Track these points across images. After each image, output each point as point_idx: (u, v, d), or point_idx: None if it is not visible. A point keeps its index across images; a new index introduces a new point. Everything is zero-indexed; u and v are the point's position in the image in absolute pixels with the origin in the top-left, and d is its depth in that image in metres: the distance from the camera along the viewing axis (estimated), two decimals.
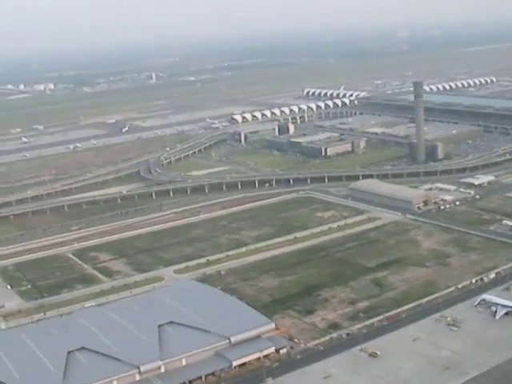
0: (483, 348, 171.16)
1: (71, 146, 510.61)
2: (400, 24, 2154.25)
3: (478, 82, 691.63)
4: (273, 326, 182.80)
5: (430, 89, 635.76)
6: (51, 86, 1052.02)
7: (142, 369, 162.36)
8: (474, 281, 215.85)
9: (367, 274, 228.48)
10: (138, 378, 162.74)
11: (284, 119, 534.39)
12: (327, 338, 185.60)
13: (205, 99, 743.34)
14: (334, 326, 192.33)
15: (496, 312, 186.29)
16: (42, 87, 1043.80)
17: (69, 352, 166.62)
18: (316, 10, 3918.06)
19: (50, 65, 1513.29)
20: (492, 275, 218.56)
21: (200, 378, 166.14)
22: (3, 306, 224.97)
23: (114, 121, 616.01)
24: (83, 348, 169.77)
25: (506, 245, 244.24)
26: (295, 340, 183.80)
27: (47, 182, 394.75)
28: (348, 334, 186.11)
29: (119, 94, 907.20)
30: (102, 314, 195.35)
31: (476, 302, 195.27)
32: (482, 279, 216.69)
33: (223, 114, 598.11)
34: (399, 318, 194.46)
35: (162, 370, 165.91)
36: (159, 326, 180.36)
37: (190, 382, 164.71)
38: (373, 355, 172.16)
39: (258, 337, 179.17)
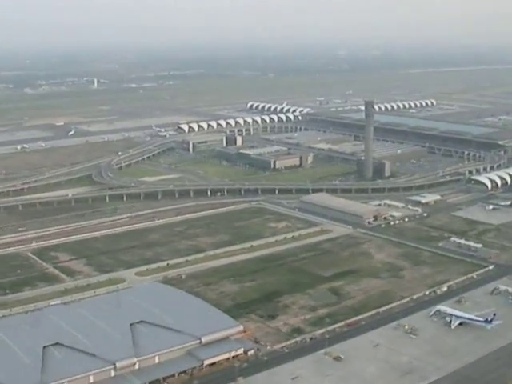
0: (441, 354, 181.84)
1: (18, 147, 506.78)
2: (339, 43, 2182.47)
3: (418, 104, 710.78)
4: (241, 328, 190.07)
5: (379, 108, 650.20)
6: None
7: (117, 365, 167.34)
8: (427, 293, 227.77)
9: (324, 283, 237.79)
10: (113, 374, 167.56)
11: (230, 131, 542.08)
12: (292, 341, 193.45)
13: (149, 107, 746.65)
14: (297, 331, 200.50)
15: (451, 322, 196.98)
16: None
17: (44, 347, 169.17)
18: (252, 24, 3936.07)
19: None
20: (444, 288, 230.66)
21: (173, 375, 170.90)
22: None
23: (62, 123, 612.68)
24: (58, 344, 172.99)
25: (455, 260, 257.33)
26: (261, 343, 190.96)
27: (2, 181, 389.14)
28: (311, 339, 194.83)
29: (62, 97, 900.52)
30: (71, 311, 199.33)
31: (431, 313, 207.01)
32: (434, 291, 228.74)
33: (169, 123, 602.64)
34: (359, 324, 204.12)
35: (137, 367, 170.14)
36: (130, 324, 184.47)
37: (163, 379, 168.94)
38: (337, 359, 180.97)
39: (227, 338, 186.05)
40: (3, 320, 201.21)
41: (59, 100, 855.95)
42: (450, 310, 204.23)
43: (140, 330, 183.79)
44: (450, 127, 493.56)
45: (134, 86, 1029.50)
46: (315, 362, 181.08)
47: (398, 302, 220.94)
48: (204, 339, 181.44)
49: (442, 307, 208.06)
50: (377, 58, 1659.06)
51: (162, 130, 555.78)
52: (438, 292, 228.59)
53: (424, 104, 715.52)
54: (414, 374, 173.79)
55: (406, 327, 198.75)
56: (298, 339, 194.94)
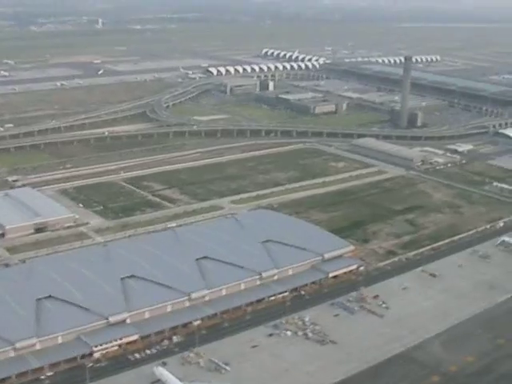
0: None
1: (58, 84, 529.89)
2: None
3: (424, 59, 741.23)
4: (352, 247, 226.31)
5: (383, 61, 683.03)
6: None
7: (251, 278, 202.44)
8: (488, 226, 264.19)
9: (398, 215, 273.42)
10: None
11: (257, 76, 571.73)
12: (391, 260, 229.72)
13: (164, 49, 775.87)
14: (392, 253, 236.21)
15: None
16: None
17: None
18: None
19: None
20: (501, 224, 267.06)
21: (306, 285, 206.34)
22: (88, 223, 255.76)
23: (99, 61, 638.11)
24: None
25: (502, 202, 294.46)
26: (366, 261, 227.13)
27: (59, 116, 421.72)
28: (406, 259, 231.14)
29: (71, 35, 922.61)
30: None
31: (497, 242, 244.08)
32: (493, 226, 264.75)
33: (191, 66, 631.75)
34: (440, 249, 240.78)
35: (276, 278, 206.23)
36: (262, 242, 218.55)
37: (299, 288, 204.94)
38: (433, 275, 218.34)
39: (341, 256, 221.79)
40: None
41: (70, 39, 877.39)
42: None
43: (270, 247, 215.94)
44: (466, 83, 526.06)
45: (138, 27, 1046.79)
46: (416, 277, 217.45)
47: (466, 233, 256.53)
48: (326, 256, 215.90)
49: (506, 238, 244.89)
50: (365, 9, 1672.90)
51: (190, 72, 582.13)
52: (497, 226, 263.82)
53: (429, 59, 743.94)
54: (497, 289, 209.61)
55: (480, 253, 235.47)
56: (396, 259, 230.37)
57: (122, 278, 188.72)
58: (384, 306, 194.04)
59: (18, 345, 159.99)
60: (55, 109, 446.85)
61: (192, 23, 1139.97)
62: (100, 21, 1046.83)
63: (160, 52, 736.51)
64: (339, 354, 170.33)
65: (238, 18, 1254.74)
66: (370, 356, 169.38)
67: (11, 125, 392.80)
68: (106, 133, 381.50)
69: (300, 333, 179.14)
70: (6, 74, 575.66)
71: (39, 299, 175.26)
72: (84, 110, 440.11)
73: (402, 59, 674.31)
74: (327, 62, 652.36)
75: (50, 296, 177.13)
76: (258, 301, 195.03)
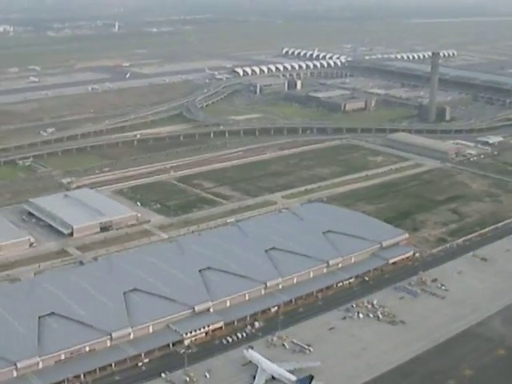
0: None
1: (89, 87, 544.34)
2: None
3: (442, 55, 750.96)
4: (406, 235, 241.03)
5: (402, 57, 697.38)
6: (9, 28, 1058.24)
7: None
8: None
9: (442, 205, 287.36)
10: (325, 270, 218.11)
11: (283, 75, 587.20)
12: (442, 247, 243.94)
13: (183, 51, 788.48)
14: (442, 240, 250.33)
15: None
16: (1, 29, 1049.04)
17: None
18: None
19: None
20: None
21: (369, 271, 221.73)
22: (149, 221, 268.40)
23: (128, 64, 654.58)
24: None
25: None
26: (419, 248, 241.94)
27: (96, 119, 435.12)
28: (457, 245, 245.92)
29: (89, 40, 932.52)
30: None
31: None
32: None
33: (216, 66, 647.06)
34: (486, 236, 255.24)
35: (340, 265, 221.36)
36: (323, 232, 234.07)
37: (363, 274, 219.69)
38: (484, 259, 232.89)
39: (397, 244, 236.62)
40: None
41: (89, 43, 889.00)
42: None
43: (332, 238, 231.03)
44: (488, 77, 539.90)
45: (155, 30, 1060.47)
46: (468, 261, 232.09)
47: (508, 221, 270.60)
48: (384, 244, 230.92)
49: None
50: (374, 5, 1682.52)
51: (216, 73, 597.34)
52: None
53: (446, 54, 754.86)
54: None
55: None
56: (447, 245, 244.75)
57: (199, 270, 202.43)
58: (443, 288, 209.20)
59: (113, 335, 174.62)
60: (91, 112, 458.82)
61: (205, 24, 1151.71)
62: (117, 24, 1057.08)
63: (180, 54, 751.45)
64: (409, 333, 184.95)
65: (248, 18, 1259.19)
66: (437, 333, 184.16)
67: (53, 129, 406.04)
68: (139, 135, 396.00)
69: (371, 315, 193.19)
70: (36, 79, 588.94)
71: (125, 292, 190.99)
72: (120, 112, 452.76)
73: (420, 55, 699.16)
74: (348, 59, 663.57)
75: (135, 289, 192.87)
76: (327, 287, 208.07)
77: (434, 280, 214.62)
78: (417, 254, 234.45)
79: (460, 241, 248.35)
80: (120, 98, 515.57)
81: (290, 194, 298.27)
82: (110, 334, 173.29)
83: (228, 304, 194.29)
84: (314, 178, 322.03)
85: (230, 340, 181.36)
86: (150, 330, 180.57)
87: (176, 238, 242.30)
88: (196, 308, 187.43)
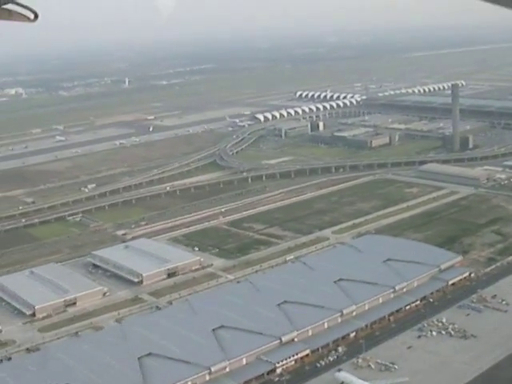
0: None
1: (117, 143, 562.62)
2: (326, 30, 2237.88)
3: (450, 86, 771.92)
4: (461, 257, 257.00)
5: (413, 91, 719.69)
6: (21, 90, 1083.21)
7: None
8: None
9: (485, 228, 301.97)
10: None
11: (303, 118, 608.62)
12: (494, 266, 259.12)
13: (198, 101, 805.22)
14: (492, 259, 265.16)
15: None
16: (13, 92, 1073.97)
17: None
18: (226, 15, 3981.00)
19: None
20: None
21: (432, 293, 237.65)
22: (212, 265, 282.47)
23: (153, 117, 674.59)
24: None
25: None
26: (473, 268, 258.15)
27: (132, 173, 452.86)
28: (507, 263, 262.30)
29: (102, 97, 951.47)
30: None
31: None
32: None
33: (234, 114, 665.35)
34: None
35: (405, 290, 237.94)
36: (383, 261, 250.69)
37: (425, 297, 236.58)
38: None
39: (453, 266, 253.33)
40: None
41: (103, 100, 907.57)
42: None
43: (394, 266, 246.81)
44: (502, 104, 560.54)
45: (164, 82, 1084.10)
46: None
47: None
48: (442, 266, 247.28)
49: None
50: (369, 43, 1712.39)
51: (237, 120, 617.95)
52: None
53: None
54: None
55: None
56: (498, 264, 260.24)
57: (278, 304, 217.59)
58: (504, 303, 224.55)
59: (212, 369, 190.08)
60: (125, 166, 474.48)
61: (212, 74, 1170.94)
62: (127, 80, 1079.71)
63: (196, 104, 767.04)
64: (483, 345, 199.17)
65: (250, 65, 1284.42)
66: (510, 344, 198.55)
67: (94, 185, 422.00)
68: (176, 184, 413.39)
69: (443, 332, 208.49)
70: (63, 138, 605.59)
71: (215, 329, 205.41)
72: (154, 164, 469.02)
73: (431, 88, 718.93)
74: (363, 97, 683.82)
75: (222, 326, 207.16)
76: (397, 311, 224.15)
77: (494, 296, 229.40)
78: (472, 275, 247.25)
79: (510, 259, 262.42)
80: (149, 150, 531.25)
81: (339, 229, 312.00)
82: (209, 368, 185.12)
83: (309, 333, 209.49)
84: (358, 212, 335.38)
85: (318, 365, 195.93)
86: (244, 362, 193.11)
87: (245, 277, 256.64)
88: (283, 338, 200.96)
